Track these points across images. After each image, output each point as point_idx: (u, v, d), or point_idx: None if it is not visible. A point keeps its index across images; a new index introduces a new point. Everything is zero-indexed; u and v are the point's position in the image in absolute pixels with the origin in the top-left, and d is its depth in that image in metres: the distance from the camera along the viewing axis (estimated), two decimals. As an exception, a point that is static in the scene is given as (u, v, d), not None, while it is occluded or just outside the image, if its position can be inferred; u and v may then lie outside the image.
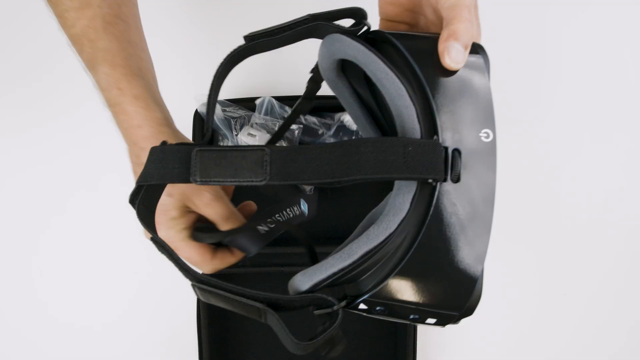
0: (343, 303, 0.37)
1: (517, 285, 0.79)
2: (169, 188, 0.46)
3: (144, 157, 0.42)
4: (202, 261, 0.49)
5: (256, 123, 0.71)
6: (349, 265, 0.36)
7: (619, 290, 0.80)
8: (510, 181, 0.71)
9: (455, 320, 0.39)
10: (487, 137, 0.37)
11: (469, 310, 0.38)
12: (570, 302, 0.80)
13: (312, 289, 0.36)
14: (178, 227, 0.48)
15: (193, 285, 0.37)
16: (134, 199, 0.39)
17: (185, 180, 0.36)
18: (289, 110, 0.70)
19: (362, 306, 0.38)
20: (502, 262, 0.75)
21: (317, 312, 0.37)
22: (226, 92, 0.77)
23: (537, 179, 0.80)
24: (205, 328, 0.72)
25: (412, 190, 0.35)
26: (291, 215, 0.50)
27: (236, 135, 0.71)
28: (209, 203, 0.47)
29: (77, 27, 0.47)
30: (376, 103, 0.45)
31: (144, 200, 0.39)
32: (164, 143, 0.38)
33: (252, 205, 0.54)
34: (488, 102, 0.38)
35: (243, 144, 0.69)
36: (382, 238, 0.35)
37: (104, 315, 0.80)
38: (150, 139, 0.46)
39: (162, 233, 0.47)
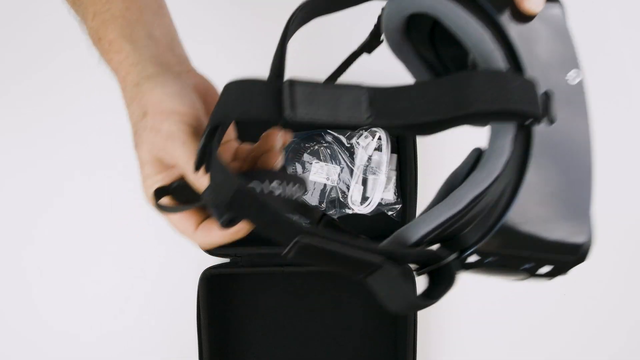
0: (454, 255, 0.35)
1: (517, 285, 0.79)
2: (137, 138, 0.40)
3: (130, 98, 0.40)
4: (184, 230, 0.41)
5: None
6: (458, 212, 0.34)
7: (619, 290, 0.80)
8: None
9: (568, 268, 0.38)
10: (575, 77, 0.37)
11: (582, 256, 0.37)
12: (570, 302, 0.80)
13: (419, 242, 0.34)
14: (155, 185, 0.40)
15: (296, 242, 0.31)
16: (209, 142, 0.33)
17: (276, 116, 0.31)
18: None
19: (472, 259, 0.36)
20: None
21: (420, 271, 0.35)
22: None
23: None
24: (205, 328, 0.72)
25: (511, 131, 0.34)
26: (289, 193, 0.39)
27: None
28: (175, 151, 0.38)
29: None
30: (440, 64, 0.44)
31: (219, 143, 0.34)
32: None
33: (272, 137, 0.41)
34: (570, 43, 0.37)
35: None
36: (489, 181, 0.33)
37: (104, 315, 0.80)
38: (122, 83, 0.43)
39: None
